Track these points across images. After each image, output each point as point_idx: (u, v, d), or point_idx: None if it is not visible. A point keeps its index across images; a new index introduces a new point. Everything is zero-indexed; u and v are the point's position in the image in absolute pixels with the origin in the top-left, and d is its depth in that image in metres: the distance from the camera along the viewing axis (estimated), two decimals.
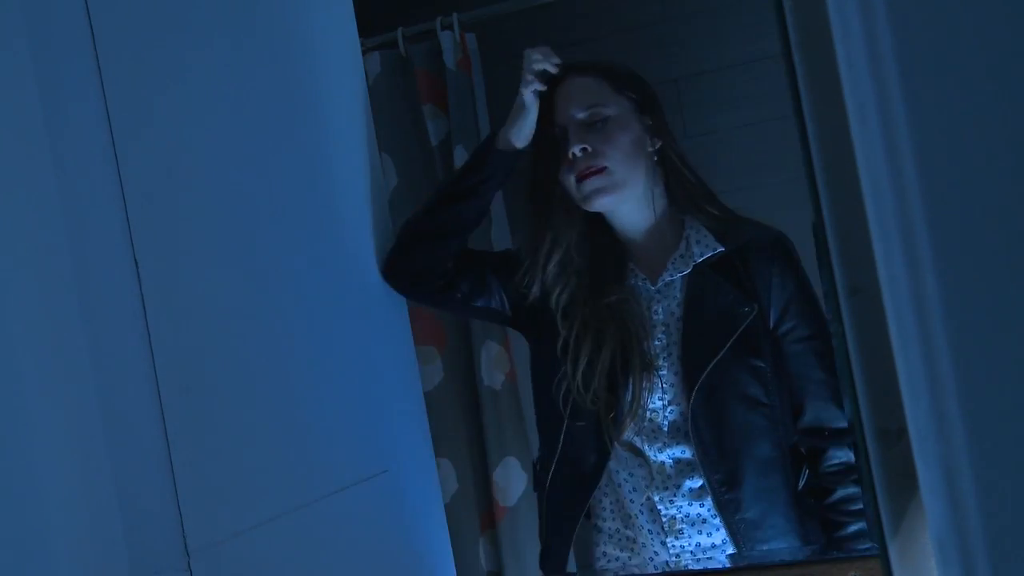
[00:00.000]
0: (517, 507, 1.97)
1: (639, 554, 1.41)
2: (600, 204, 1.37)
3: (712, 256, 1.37)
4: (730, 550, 1.35)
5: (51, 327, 0.83)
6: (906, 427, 0.53)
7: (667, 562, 1.38)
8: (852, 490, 1.31)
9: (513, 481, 1.97)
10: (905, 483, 0.58)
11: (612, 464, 1.40)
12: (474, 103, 2.00)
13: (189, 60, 1.02)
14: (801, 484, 1.35)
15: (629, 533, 1.42)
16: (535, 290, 1.41)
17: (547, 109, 1.41)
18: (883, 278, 0.52)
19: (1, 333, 0.79)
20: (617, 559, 1.44)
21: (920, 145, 0.48)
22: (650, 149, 1.39)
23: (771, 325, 1.34)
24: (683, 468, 1.36)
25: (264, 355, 1.05)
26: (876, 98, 0.49)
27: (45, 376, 0.82)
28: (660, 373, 1.36)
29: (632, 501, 1.40)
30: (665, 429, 1.36)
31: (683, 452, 1.35)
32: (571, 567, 1.47)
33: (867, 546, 1.27)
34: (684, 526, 1.36)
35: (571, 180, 1.37)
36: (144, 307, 0.87)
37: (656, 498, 1.37)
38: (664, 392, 1.36)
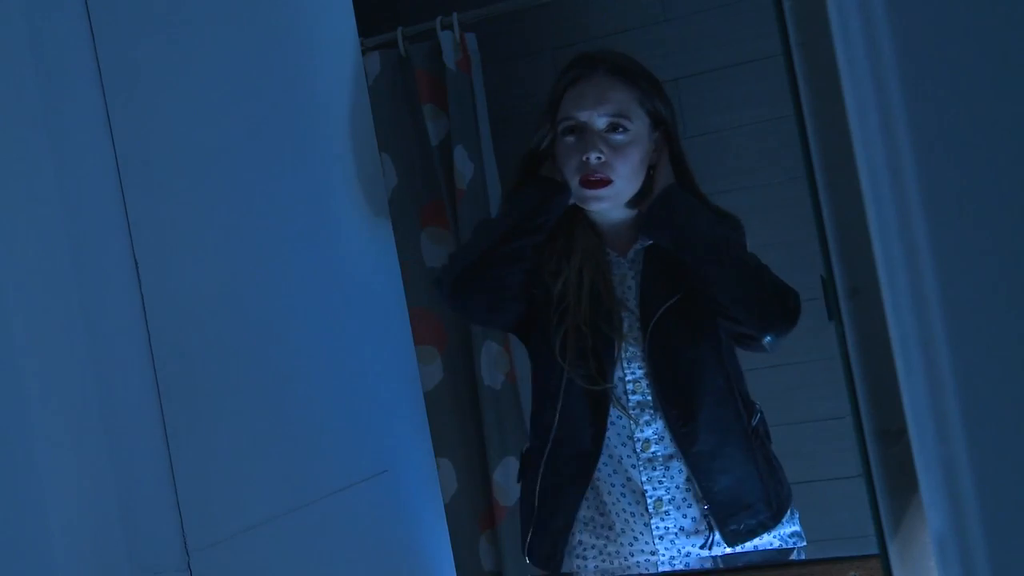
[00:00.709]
0: (517, 507, 1.97)
1: (616, 540, 1.43)
2: (595, 207, 1.40)
3: None
4: (704, 504, 1.39)
5: (51, 327, 0.83)
6: (906, 427, 0.53)
7: (651, 546, 1.40)
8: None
9: (513, 481, 1.98)
10: (905, 483, 0.58)
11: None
12: (474, 103, 2.00)
13: (189, 60, 1.02)
14: (755, 421, 1.42)
15: (604, 520, 1.44)
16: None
17: (560, 93, 1.42)
18: (883, 278, 0.52)
19: (1, 333, 0.79)
20: (593, 547, 1.45)
21: (920, 145, 0.48)
22: (649, 164, 1.41)
23: None
24: (669, 448, 1.40)
25: (264, 355, 1.05)
26: (876, 98, 0.49)
27: (45, 376, 0.82)
28: (635, 344, 1.41)
29: (614, 485, 1.42)
30: (650, 402, 1.40)
31: (665, 429, 1.40)
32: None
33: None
34: (670, 508, 1.40)
35: (575, 180, 1.38)
36: (144, 307, 0.87)
37: (643, 479, 1.39)
38: (642, 362, 1.40)
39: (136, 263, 0.87)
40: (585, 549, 1.46)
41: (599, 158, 1.36)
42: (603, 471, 1.43)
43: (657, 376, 1.39)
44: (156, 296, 0.88)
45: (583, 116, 1.38)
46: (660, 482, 1.40)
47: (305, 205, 1.21)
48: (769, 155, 2.07)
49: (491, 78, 2.05)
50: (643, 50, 2.06)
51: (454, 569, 1.43)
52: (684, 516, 1.40)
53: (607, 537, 1.44)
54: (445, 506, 1.47)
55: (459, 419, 2.03)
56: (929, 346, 0.48)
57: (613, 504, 1.43)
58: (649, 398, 1.40)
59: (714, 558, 1.40)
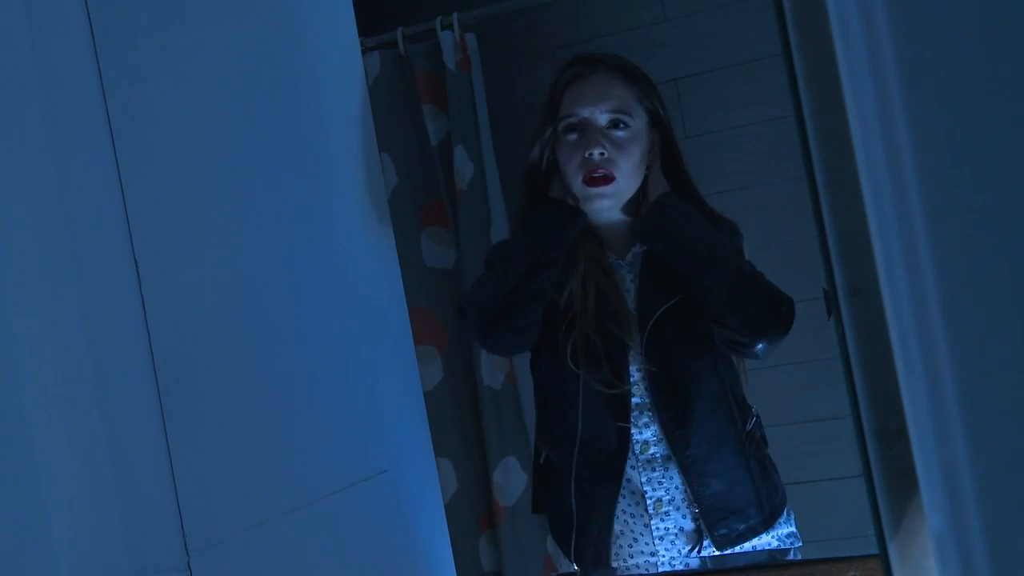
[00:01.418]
0: (517, 507, 1.97)
1: (615, 542, 1.43)
2: (598, 205, 1.39)
3: None
4: (694, 507, 1.38)
5: (51, 327, 0.83)
6: (906, 427, 0.53)
7: (651, 547, 1.40)
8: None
9: (513, 481, 1.98)
10: (905, 483, 0.58)
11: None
12: (474, 103, 2.01)
13: (189, 60, 1.02)
14: (749, 425, 1.42)
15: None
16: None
17: (560, 92, 1.42)
18: (883, 278, 0.52)
19: (1, 333, 0.79)
20: None
21: (920, 145, 0.48)
22: (648, 164, 1.41)
23: None
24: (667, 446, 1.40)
25: (264, 355, 1.05)
26: (876, 98, 0.49)
27: (45, 376, 0.82)
28: (633, 338, 1.41)
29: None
30: (648, 402, 1.40)
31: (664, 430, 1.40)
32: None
33: None
34: (670, 508, 1.39)
35: (578, 178, 1.38)
36: (144, 307, 0.87)
37: (643, 479, 1.39)
38: (639, 364, 1.40)
39: (136, 263, 0.87)
40: None
41: (602, 154, 1.36)
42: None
43: (653, 378, 1.39)
44: (156, 296, 0.88)
45: (585, 112, 1.39)
46: (660, 483, 1.40)
47: (305, 205, 1.21)
48: (769, 155, 2.07)
49: (491, 78, 2.05)
50: (643, 50, 2.06)
51: (454, 569, 1.43)
52: (684, 517, 1.40)
53: None
54: (445, 506, 1.47)
55: (459, 419, 2.04)
56: (929, 346, 0.48)
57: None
58: (647, 400, 1.40)
59: (714, 558, 1.40)
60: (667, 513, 1.40)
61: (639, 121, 1.40)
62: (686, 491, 1.39)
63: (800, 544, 1.45)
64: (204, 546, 0.87)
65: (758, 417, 1.46)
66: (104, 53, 0.88)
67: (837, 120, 0.55)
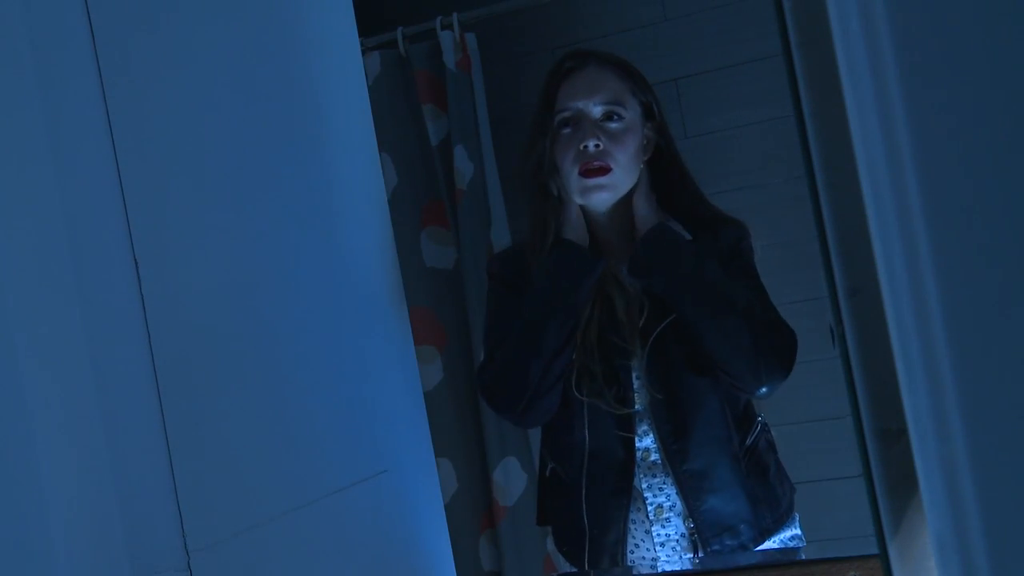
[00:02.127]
0: (517, 507, 1.97)
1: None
2: (597, 198, 1.39)
3: None
4: (689, 521, 1.38)
5: (51, 327, 0.83)
6: (906, 427, 0.53)
7: (653, 553, 1.39)
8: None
9: (513, 481, 1.97)
10: (905, 483, 0.58)
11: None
12: (474, 103, 2.01)
13: (189, 60, 1.02)
14: (751, 439, 1.40)
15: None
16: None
17: (554, 89, 1.41)
18: (883, 278, 0.52)
19: (1, 333, 0.79)
20: None
21: (920, 145, 0.48)
22: (644, 156, 1.41)
23: None
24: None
25: (264, 355, 1.05)
26: (876, 98, 0.49)
27: (45, 376, 0.82)
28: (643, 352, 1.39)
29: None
30: (647, 408, 1.39)
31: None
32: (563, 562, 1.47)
33: None
34: (671, 515, 1.39)
35: (574, 171, 1.37)
36: (144, 307, 0.87)
37: (644, 485, 1.38)
38: (639, 372, 1.39)
39: (136, 263, 0.87)
40: None
41: (597, 145, 1.36)
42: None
43: (652, 391, 1.38)
44: (156, 296, 0.88)
45: (579, 105, 1.38)
46: (660, 489, 1.39)
47: (305, 205, 1.21)
48: (769, 155, 2.07)
49: (491, 78, 2.05)
50: (643, 50, 2.06)
51: (454, 569, 1.43)
52: (685, 523, 1.39)
53: None
54: (445, 506, 1.47)
55: (459, 419, 2.03)
56: (929, 346, 0.48)
57: None
58: (647, 408, 1.39)
59: (714, 558, 1.40)
60: (668, 519, 1.39)
61: (633, 113, 1.40)
62: (683, 504, 1.39)
63: (804, 545, 1.45)
64: (204, 546, 0.87)
65: (764, 425, 1.45)
66: (104, 53, 0.88)
67: (837, 120, 0.55)
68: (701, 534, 1.37)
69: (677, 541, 1.39)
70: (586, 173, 1.36)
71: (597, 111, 1.38)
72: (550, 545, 1.53)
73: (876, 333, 0.56)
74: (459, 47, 1.99)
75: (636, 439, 1.39)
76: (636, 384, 1.39)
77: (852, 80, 0.52)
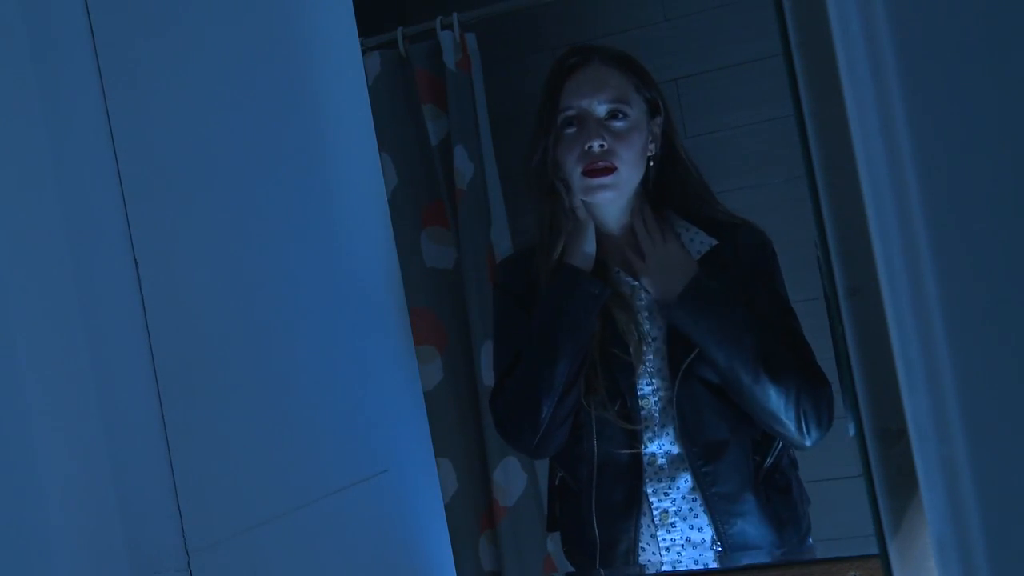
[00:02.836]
0: (517, 507, 1.97)
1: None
2: (602, 198, 1.38)
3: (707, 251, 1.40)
4: (717, 545, 1.37)
5: (51, 327, 0.83)
6: (906, 427, 0.52)
7: (658, 557, 1.39)
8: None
9: (513, 481, 1.97)
10: (905, 483, 0.58)
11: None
12: (474, 103, 2.01)
13: (189, 60, 1.02)
14: (770, 460, 1.38)
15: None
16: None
17: (558, 86, 1.40)
18: (883, 278, 0.52)
19: (1, 333, 0.79)
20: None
21: (920, 145, 0.48)
22: (649, 154, 1.39)
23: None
24: (675, 461, 1.37)
25: (264, 355, 1.05)
26: (876, 98, 0.49)
27: (45, 376, 0.82)
28: (647, 358, 1.38)
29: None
30: (656, 417, 1.37)
31: (672, 443, 1.37)
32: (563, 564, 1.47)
33: None
34: (676, 519, 1.38)
35: (577, 170, 1.37)
36: (144, 307, 0.87)
37: (649, 490, 1.38)
38: (651, 378, 1.37)
39: (136, 263, 0.87)
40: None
41: (602, 145, 1.34)
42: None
43: (682, 416, 1.36)
44: (156, 296, 0.88)
45: (583, 104, 1.37)
46: (665, 494, 1.38)
47: (305, 205, 1.21)
48: (769, 155, 2.07)
49: (491, 78, 2.05)
50: (643, 50, 2.06)
51: (454, 569, 1.43)
52: (691, 527, 1.38)
53: None
54: (445, 506, 1.47)
55: (459, 419, 2.03)
56: (929, 346, 0.48)
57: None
58: (656, 414, 1.38)
59: (715, 558, 1.40)
60: (673, 524, 1.38)
61: (638, 110, 1.38)
62: (696, 499, 1.37)
63: (811, 543, 1.44)
64: (204, 546, 0.87)
65: (782, 445, 1.42)
66: (104, 53, 0.88)
67: (837, 120, 0.55)
68: (729, 558, 1.36)
69: (682, 546, 1.38)
70: (591, 173, 1.35)
71: (601, 110, 1.37)
72: (550, 545, 1.54)
73: (876, 333, 0.56)
74: (459, 47, 1.99)
75: (641, 445, 1.38)
76: (645, 388, 1.39)
77: (852, 80, 0.52)
